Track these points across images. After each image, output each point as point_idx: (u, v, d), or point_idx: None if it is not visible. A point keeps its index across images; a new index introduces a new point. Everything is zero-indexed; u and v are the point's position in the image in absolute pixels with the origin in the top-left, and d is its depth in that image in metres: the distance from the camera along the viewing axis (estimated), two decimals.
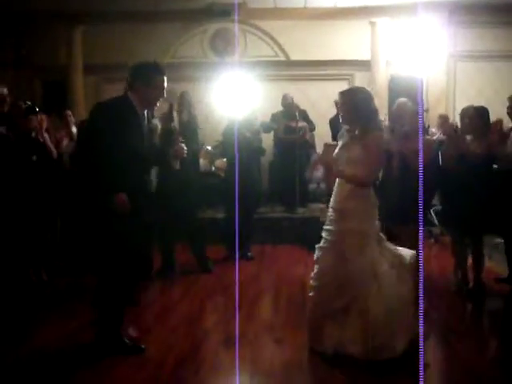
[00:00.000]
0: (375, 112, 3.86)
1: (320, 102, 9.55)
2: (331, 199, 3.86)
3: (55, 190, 5.66)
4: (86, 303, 4.35)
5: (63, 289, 5.48)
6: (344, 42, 9.66)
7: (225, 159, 8.68)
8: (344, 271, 3.64)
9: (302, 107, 8.56)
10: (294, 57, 9.82)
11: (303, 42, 9.63)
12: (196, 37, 10.09)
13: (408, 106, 5.86)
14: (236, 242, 5.59)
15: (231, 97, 8.68)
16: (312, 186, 9.08)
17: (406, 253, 3.80)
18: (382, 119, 8.06)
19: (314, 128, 8.76)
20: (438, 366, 3.73)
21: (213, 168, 8.61)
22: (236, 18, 9.92)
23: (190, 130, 6.09)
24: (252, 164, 6.68)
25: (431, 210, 7.41)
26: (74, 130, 6.69)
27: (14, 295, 4.97)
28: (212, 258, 6.28)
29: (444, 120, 8.01)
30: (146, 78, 3.54)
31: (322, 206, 8.17)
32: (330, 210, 3.83)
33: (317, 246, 3.83)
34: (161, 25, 9.81)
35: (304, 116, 8.57)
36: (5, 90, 4.90)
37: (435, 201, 6.87)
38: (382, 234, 3.84)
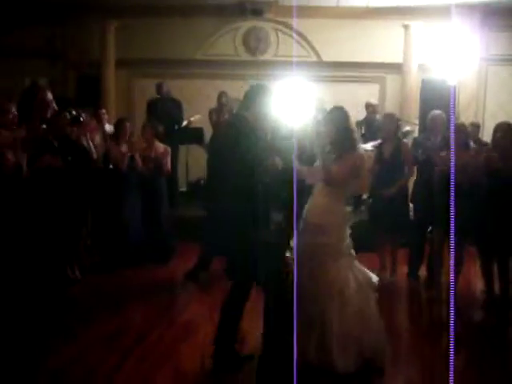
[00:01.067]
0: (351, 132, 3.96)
1: (351, 104, 9.47)
2: (305, 212, 3.86)
3: (88, 187, 5.74)
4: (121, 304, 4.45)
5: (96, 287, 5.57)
6: (376, 44, 9.61)
7: None
8: (313, 284, 3.67)
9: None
10: (326, 57, 9.82)
11: (335, 43, 9.61)
12: (228, 34, 10.12)
13: (442, 119, 5.91)
14: None
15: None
16: None
17: (371, 274, 3.88)
18: (410, 128, 8.19)
19: None
20: None
21: None
22: (268, 16, 9.93)
23: None
24: None
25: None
26: (108, 128, 6.78)
27: (51, 292, 5.04)
28: None
29: (476, 128, 7.95)
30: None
31: None
32: (304, 222, 3.83)
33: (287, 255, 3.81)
34: (193, 21, 9.84)
35: None
36: (49, 95, 4.95)
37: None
38: (352, 251, 3.90)
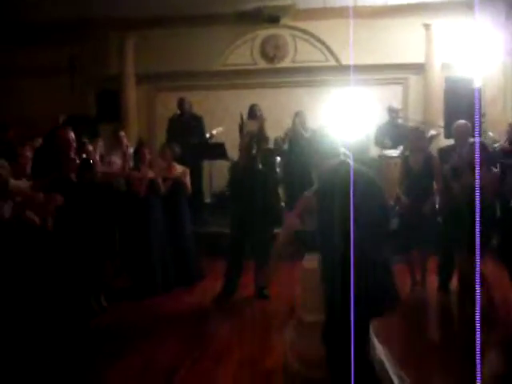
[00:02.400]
0: None
1: (374, 107, 9.30)
2: None
3: (113, 215, 5.72)
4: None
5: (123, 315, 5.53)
6: (397, 45, 9.42)
7: (278, 169, 8.72)
8: None
9: (354, 112, 8.36)
10: (346, 61, 9.65)
11: (354, 46, 9.42)
12: (245, 44, 10.05)
13: (467, 129, 5.74)
14: None
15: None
16: None
17: None
18: (435, 132, 8.00)
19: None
20: None
21: None
22: (285, 22, 9.82)
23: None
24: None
25: None
26: (130, 151, 6.75)
27: (76, 325, 5.01)
28: None
29: None
30: None
31: None
32: None
33: None
34: (210, 31, 9.79)
35: None
36: (72, 135, 4.89)
37: None
38: None
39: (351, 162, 3.32)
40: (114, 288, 5.97)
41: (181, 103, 8.87)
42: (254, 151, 5.81)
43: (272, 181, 6.34)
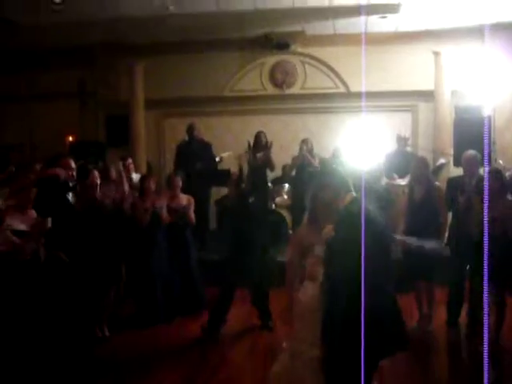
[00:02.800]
0: None
1: (383, 134, 9.19)
2: None
3: (117, 242, 5.67)
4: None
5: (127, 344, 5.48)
6: (406, 72, 9.38)
7: (286, 196, 8.66)
8: None
9: (365, 140, 8.28)
10: (355, 88, 9.62)
11: (364, 72, 9.42)
12: (255, 69, 10.04)
13: (477, 159, 5.66)
14: None
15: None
16: None
17: None
18: (444, 161, 7.92)
19: None
20: None
21: (273, 206, 8.50)
22: (294, 49, 9.83)
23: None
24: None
25: None
26: (134, 176, 6.73)
27: (78, 354, 4.96)
28: None
29: None
30: None
31: None
32: None
33: None
34: (219, 57, 9.85)
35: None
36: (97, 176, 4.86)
37: None
38: None
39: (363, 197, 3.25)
40: (118, 316, 5.93)
41: (190, 129, 8.88)
42: (243, 185, 5.79)
43: (261, 212, 6.32)
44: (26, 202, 4.29)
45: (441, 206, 5.73)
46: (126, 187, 6.43)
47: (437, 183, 6.17)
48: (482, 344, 4.98)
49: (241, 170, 6.07)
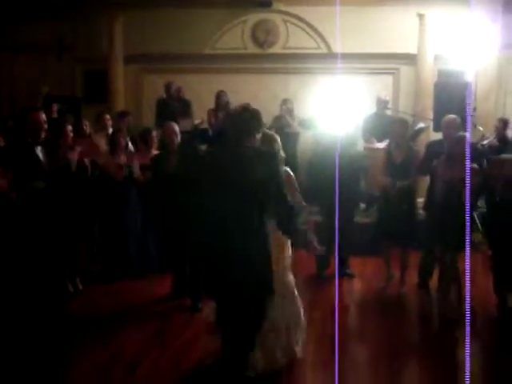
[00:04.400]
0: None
1: (364, 96, 9.09)
2: None
3: (87, 199, 5.61)
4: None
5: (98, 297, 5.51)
6: (390, 34, 9.22)
7: None
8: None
9: (344, 102, 8.21)
10: (337, 49, 9.47)
11: (347, 34, 9.23)
12: (236, 27, 9.80)
13: (456, 124, 5.63)
14: None
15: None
16: None
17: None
18: (424, 125, 7.89)
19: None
20: None
21: None
22: (277, 7, 9.63)
23: None
24: (352, 180, 6.19)
25: (475, 214, 7.14)
26: (110, 131, 6.63)
27: (50, 306, 4.96)
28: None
29: (503, 125, 7.62)
30: None
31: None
32: None
33: None
34: (201, 14, 9.59)
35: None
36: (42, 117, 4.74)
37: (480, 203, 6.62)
38: None
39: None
40: (88, 272, 5.93)
41: (168, 87, 8.76)
42: None
43: None
44: None
45: (415, 165, 5.74)
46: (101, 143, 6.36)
47: (414, 146, 6.17)
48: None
49: None
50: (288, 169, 4.26)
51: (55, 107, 8.11)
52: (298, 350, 4.10)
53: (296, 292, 4.17)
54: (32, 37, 9.86)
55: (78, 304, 5.37)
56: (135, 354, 4.23)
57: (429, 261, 5.81)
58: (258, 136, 3.36)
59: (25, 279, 4.71)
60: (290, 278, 4.14)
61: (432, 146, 6.12)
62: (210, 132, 8.44)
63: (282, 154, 4.10)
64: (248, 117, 3.35)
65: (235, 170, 3.18)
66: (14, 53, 10.10)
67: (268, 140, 3.95)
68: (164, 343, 4.46)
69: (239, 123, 3.32)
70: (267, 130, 4.74)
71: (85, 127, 6.57)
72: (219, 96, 8.44)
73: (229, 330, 3.22)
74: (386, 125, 7.56)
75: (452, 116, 5.83)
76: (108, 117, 7.16)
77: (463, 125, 5.78)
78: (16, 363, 4.03)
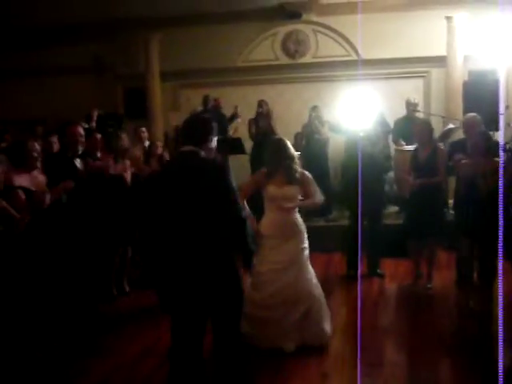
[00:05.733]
0: None
1: (395, 101, 9.19)
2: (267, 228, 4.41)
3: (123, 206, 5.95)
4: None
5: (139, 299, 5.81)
6: (419, 38, 9.34)
7: None
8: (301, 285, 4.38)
9: (377, 107, 8.26)
10: (367, 55, 9.64)
11: (376, 40, 9.39)
12: (267, 40, 10.16)
13: (475, 121, 5.70)
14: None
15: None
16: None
17: None
18: (454, 126, 7.92)
19: (390, 131, 8.49)
20: None
21: None
22: (307, 18, 9.89)
23: None
24: (376, 181, 6.29)
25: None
26: (147, 144, 6.97)
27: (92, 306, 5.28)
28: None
29: None
30: None
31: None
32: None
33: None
34: (233, 28, 9.97)
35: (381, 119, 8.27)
36: (80, 131, 5.11)
37: None
38: None
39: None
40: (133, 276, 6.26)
41: (205, 100, 9.09)
42: None
43: None
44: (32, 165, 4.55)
45: (441, 166, 5.79)
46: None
47: (440, 145, 6.23)
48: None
49: None
50: (305, 171, 4.51)
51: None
52: (327, 333, 4.45)
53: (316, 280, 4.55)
54: (72, 59, 10.42)
55: (121, 305, 5.73)
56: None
57: (465, 258, 5.79)
58: (210, 144, 3.26)
59: (67, 280, 4.95)
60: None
61: (455, 145, 6.21)
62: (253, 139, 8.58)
63: (293, 153, 4.39)
64: (197, 124, 3.30)
65: (182, 181, 3.09)
66: (54, 75, 10.65)
67: (278, 144, 4.32)
68: None
69: (191, 130, 3.27)
70: (275, 136, 5.09)
71: (124, 141, 6.94)
72: (260, 105, 8.65)
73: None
74: None
75: (472, 114, 5.92)
76: (144, 129, 7.52)
77: (495, 123, 5.83)
78: (60, 349, 4.39)
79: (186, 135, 3.26)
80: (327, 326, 4.49)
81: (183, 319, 3.19)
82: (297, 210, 4.49)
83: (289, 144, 4.46)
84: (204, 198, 3.02)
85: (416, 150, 6.08)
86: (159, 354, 4.32)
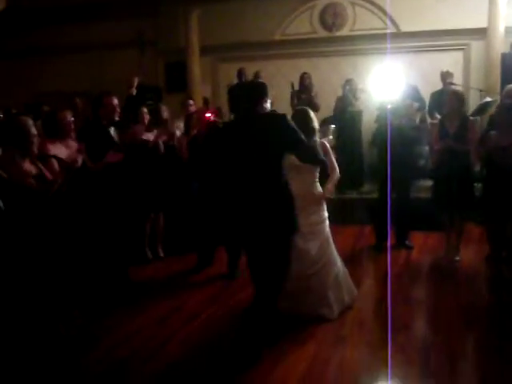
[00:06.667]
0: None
1: (434, 74, 9.05)
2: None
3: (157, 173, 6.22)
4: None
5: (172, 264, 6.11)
6: (458, 10, 9.19)
7: (331, 137, 8.85)
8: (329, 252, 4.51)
9: (414, 81, 8.22)
10: (405, 28, 9.54)
11: (414, 12, 9.29)
12: (305, 13, 10.17)
13: None
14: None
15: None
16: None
17: None
18: (491, 99, 7.77)
19: (425, 105, 8.42)
20: None
21: None
22: None
23: None
24: (404, 153, 6.24)
25: None
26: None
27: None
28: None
29: None
30: None
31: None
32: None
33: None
34: (270, 3, 10.01)
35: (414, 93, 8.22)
36: (115, 101, 5.34)
37: None
38: None
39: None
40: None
41: (240, 73, 9.20)
42: None
43: None
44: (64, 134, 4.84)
45: (472, 138, 5.66)
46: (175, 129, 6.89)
47: (471, 118, 6.16)
48: None
49: None
50: (324, 140, 4.62)
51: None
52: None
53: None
54: (115, 35, 10.70)
55: (155, 269, 6.03)
56: (195, 308, 4.77)
57: (496, 232, 5.77)
58: (266, 105, 3.65)
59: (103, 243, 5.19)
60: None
61: (493, 116, 6.12)
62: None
63: (315, 125, 4.44)
64: (252, 87, 3.82)
65: (250, 133, 3.52)
66: (99, 50, 10.97)
67: (301, 115, 4.41)
68: (220, 302, 4.97)
69: (246, 93, 3.68)
70: (300, 106, 5.18)
71: (164, 113, 7.18)
72: (303, 78, 8.75)
73: (258, 276, 3.63)
74: None
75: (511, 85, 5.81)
76: (191, 102, 7.67)
77: None
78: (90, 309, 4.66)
79: (242, 98, 3.63)
80: (347, 297, 4.62)
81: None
82: (317, 180, 4.59)
83: (312, 115, 4.53)
84: (274, 145, 3.47)
85: (444, 118, 6.02)
86: (184, 315, 4.58)
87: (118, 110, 5.37)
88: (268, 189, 3.51)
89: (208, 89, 9.54)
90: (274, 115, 3.60)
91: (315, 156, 3.76)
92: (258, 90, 3.65)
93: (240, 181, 3.58)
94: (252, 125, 3.54)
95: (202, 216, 5.90)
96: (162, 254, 6.40)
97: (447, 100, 6.02)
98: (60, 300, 4.38)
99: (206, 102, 9.79)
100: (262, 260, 3.58)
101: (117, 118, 5.38)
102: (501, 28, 9.03)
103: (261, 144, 3.47)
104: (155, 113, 6.73)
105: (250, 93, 3.64)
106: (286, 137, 3.47)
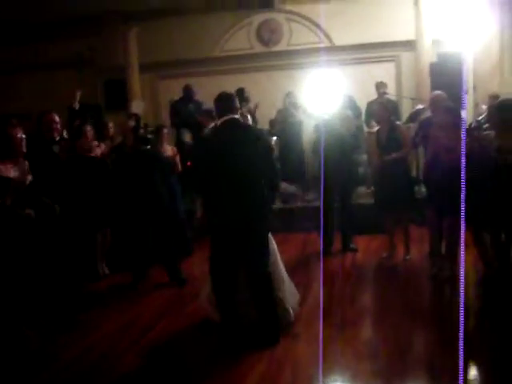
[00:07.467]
0: None
1: (369, 84, 9.42)
2: None
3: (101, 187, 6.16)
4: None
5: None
6: (388, 23, 9.63)
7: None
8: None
9: (350, 92, 8.55)
10: (338, 42, 9.92)
11: (347, 26, 9.68)
12: (242, 29, 10.43)
13: (441, 99, 5.96)
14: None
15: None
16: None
17: None
18: (423, 106, 8.20)
19: (360, 114, 8.78)
20: None
21: None
22: (279, 6, 10.14)
23: None
24: (344, 161, 6.52)
25: None
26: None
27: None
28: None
29: (493, 101, 7.86)
30: None
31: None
32: None
33: None
34: (208, 20, 10.20)
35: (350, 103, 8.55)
36: (56, 118, 5.36)
37: None
38: None
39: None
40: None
41: (187, 89, 9.27)
42: None
43: None
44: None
45: (405, 140, 6.07)
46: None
47: (398, 122, 6.57)
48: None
49: None
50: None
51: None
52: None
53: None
54: (53, 55, 10.65)
55: (103, 285, 6.02)
56: (149, 321, 4.83)
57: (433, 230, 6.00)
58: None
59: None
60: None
61: (422, 122, 6.49)
62: None
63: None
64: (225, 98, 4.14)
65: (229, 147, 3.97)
66: (40, 71, 10.85)
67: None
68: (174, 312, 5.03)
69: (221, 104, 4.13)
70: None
71: (110, 129, 7.28)
72: (241, 91, 8.88)
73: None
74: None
75: (437, 92, 6.18)
76: (111, 125, 7.70)
77: (459, 103, 6.08)
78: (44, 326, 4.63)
79: (224, 107, 4.10)
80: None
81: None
82: None
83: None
84: (253, 155, 3.98)
85: (378, 130, 6.39)
86: (138, 330, 4.60)
87: (59, 127, 5.41)
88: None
89: (141, 105, 9.53)
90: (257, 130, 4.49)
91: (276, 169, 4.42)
92: (234, 100, 4.12)
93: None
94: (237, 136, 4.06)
95: (144, 230, 5.90)
96: (106, 271, 6.30)
97: (376, 111, 6.40)
98: (14, 320, 4.33)
99: (136, 118, 9.86)
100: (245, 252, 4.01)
101: (58, 136, 5.41)
102: (428, 40, 9.53)
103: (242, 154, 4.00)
104: (102, 128, 6.82)
105: (230, 102, 4.10)
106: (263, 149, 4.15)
